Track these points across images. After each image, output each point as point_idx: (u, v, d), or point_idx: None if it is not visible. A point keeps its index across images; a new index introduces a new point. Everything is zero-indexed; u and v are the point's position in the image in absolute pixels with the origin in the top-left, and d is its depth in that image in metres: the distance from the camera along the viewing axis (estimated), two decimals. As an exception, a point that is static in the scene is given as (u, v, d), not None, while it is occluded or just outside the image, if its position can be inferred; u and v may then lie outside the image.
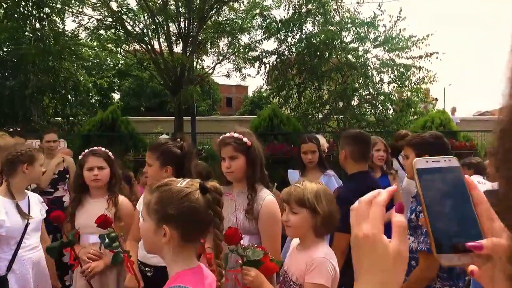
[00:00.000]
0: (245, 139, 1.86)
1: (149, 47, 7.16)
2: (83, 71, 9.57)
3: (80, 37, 7.42)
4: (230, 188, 2.02)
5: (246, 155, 1.85)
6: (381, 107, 7.68)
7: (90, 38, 7.44)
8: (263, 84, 9.50)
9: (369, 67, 7.54)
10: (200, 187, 1.12)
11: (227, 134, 1.90)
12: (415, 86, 7.41)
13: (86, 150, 2.37)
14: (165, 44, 7.55)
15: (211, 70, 8.71)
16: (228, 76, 8.72)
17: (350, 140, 2.22)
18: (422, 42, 6.94)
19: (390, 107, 7.74)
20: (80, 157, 2.37)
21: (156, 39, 7.39)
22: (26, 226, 2.18)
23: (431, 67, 7.27)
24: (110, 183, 2.32)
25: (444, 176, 0.56)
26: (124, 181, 4.42)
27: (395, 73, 7.31)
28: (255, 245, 1.65)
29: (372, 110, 7.92)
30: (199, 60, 8.58)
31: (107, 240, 1.82)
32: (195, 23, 7.47)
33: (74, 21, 7.30)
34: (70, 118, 9.05)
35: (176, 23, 7.28)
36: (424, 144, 1.91)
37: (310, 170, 3.03)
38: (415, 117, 7.99)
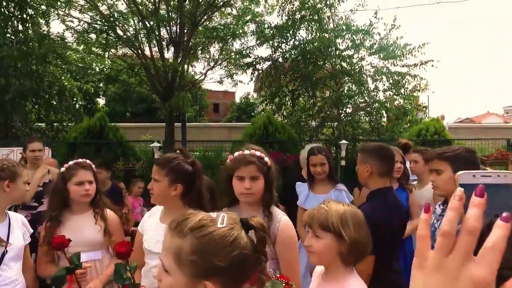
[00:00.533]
0: (266, 159, 1.70)
1: (140, 52, 6.89)
2: (68, 76, 9.21)
3: (66, 40, 7.07)
4: (236, 209, 1.84)
5: (265, 176, 1.69)
6: (376, 115, 7.61)
7: (77, 41, 7.10)
8: (253, 90, 9.34)
9: (364, 75, 7.47)
10: (244, 226, 0.92)
11: (248, 152, 1.72)
12: (409, 94, 7.38)
13: (71, 163, 2.17)
14: (156, 49, 7.30)
15: (202, 76, 8.48)
16: (220, 82, 8.51)
17: (376, 154, 2.05)
18: (418, 51, 6.92)
19: (384, 114, 7.67)
20: (63, 169, 2.14)
21: (147, 44, 7.13)
22: (3, 255, 1.88)
23: (424, 75, 7.27)
24: (95, 197, 2.17)
25: (497, 194, 0.48)
26: (114, 192, 4.17)
27: (390, 81, 7.26)
28: (276, 275, 1.46)
29: (367, 118, 7.84)
30: (190, 66, 8.35)
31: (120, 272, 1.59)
32: (187, 29, 7.26)
33: (64, 22, 6.89)
34: (55, 124, 8.66)
35: (167, 28, 7.04)
36: (460, 158, 1.79)
37: (319, 183, 2.86)
38: (408, 125, 7.97)
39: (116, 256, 1.69)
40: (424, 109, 9.88)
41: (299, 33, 7.86)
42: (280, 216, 1.73)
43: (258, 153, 1.71)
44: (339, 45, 7.45)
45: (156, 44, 7.14)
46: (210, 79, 8.96)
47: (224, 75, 8.77)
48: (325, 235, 1.33)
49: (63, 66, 7.98)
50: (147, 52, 7.28)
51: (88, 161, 2.23)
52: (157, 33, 6.86)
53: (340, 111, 8.02)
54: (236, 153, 1.74)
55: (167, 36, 7.21)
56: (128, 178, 5.62)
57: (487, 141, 7.77)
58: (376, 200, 1.98)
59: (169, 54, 7.51)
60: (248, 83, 8.50)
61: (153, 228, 1.83)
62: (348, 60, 7.53)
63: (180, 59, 7.04)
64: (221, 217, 0.89)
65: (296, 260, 1.72)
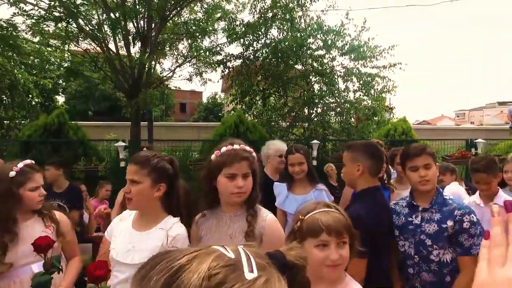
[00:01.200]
0: (254, 153, 1.54)
1: (104, 45, 6.45)
2: (21, 69, 8.52)
3: (19, 29, 6.37)
4: (217, 211, 1.69)
5: (253, 172, 1.56)
6: (346, 115, 7.67)
7: (31, 31, 6.43)
8: (221, 90, 9.13)
9: (335, 75, 7.50)
10: (281, 267, 0.55)
11: (238, 146, 1.55)
12: (378, 95, 7.50)
13: (21, 165, 1.90)
14: (122, 44, 6.90)
15: (170, 73, 8.14)
16: (189, 79, 8.22)
17: (367, 152, 1.96)
18: (388, 52, 7.05)
19: (354, 115, 7.75)
20: (13, 173, 1.86)
21: (111, 38, 6.69)
22: None
23: (393, 77, 7.42)
24: None
25: None
26: (72, 194, 3.83)
27: (360, 82, 7.34)
28: None
29: (337, 118, 7.89)
30: (158, 62, 8.00)
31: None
32: (155, 23, 6.92)
33: (16, 4, 6.04)
34: (6, 122, 7.98)
35: (134, 21, 6.66)
36: None
37: (298, 184, 2.73)
38: (376, 126, 8.11)
39: (89, 280, 1.45)
40: (391, 110, 10.13)
41: (270, 32, 7.77)
42: (266, 214, 1.61)
43: (247, 148, 1.58)
44: (311, 45, 7.43)
45: (121, 38, 6.72)
46: (179, 76, 8.64)
47: (193, 72, 8.51)
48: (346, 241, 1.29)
49: (15, 58, 7.31)
50: (112, 46, 6.86)
51: (32, 161, 2.01)
52: (123, 26, 6.44)
53: (311, 111, 8.01)
54: (225, 148, 1.57)
55: (134, 30, 6.82)
56: (90, 179, 5.25)
57: (448, 141, 8.08)
58: (367, 200, 1.88)
59: (135, 49, 7.13)
60: (218, 81, 8.30)
61: (123, 234, 1.64)
62: (319, 60, 7.53)
63: (147, 54, 6.70)
64: (245, 258, 0.50)
65: None
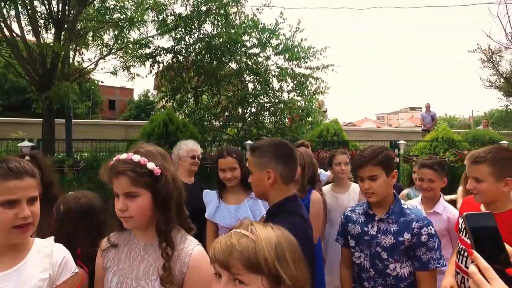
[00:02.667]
0: (150, 165, 1.26)
1: (4, 26, 5.45)
2: None
3: None
4: (129, 233, 1.35)
5: (151, 190, 1.27)
6: (280, 115, 7.63)
7: None
8: (153, 87, 8.55)
9: (270, 74, 7.41)
10: None
11: (124, 156, 1.25)
12: (311, 96, 7.59)
13: None
14: (30, 28, 5.98)
15: (92, 66, 7.34)
16: (114, 73, 7.50)
17: (278, 155, 1.60)
18: (321, 54, 7.14)
19: (288, 115, 7.75)
20: None
21: (14, 18, 5.70)
22: None
23: (326, 79, 7.56)
24: None
25: None
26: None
27: (295, 82, 7.35)
28: None
29: (271, 118, 7.82)
30: (77, 52, 7.14)
31: None
32: (73, 7, 6.13)
33: None
34: None
35: (45, 1, 5.79)
36: None
37: (230, 191, 2.45)
38: (310, 126, 8.22)
39: None
40: (324, 112, 10.40)
41: (204, 27, 7.41)
42: (191, 247, 1.27)
43: (136, 157, 1.22)
44: (245, 42, 7.24)
45: (29, 21, 5.81)
46: (102, 69, 7.85)
47: (119, 66, 7.80)
48: (254, 280, 0.88)
49: None
50: (17, 29, 5.87)
51: None
52: (28, 6, 5.53)
53: (245, 111, 7.83)
54: (114, 159, 1.25)
55: (46, 12, 5.94)
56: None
57: (375, 142, 8.56)
58: (290, 215, 1.55)
59: (48, 35, 6.25)
60: (146, 76, 7.70)
61: None
62: (253, 58, 7.38)
63: (63, 42, 5.90)
64: None
65: None
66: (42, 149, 5.14)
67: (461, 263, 1.86)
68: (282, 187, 1.61)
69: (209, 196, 2.50)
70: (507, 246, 0.76)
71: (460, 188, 4.08)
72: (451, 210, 2.53)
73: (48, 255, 1.21)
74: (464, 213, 0.80)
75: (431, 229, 1.74)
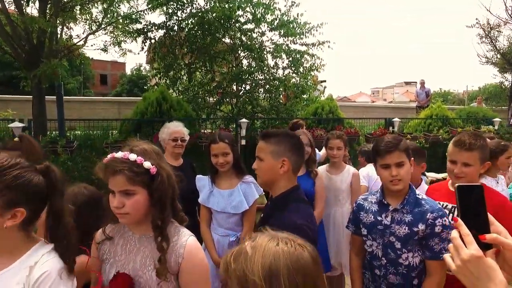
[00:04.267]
0: (147, 164, 1.27)
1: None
2: None
3: None
4: (123, 228, 1.37)
5: (148, 187, 1.28)
6: (275, 93, 7.54)
7: None
8: (146, 61, 8.36)
9: (264, 51, 7.25)
10: None
11: (121, 154, 1.26)
12: (306, 73, 7.47)
13: None
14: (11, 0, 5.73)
15: (82, 42, 7.09)
16: (105, 50, 7.28)
17: (294, 146, 1.64)
18: (317, 30, 6.98)
19: (283, 92, 7.66)
20: None
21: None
22: None
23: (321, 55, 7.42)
24: None
25: None
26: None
27: (290, 58, 7.21)
28: None
29: (266, 96, 7.73)
30: (65, 27, 6.88)
31: None
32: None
33: None
34: None
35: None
36: None
37: (223, 176, 2.45)
38: (305, 103, 8.16)
39: None
40: (322, 84, 10.26)
41: (197, 1, 7.16)
42: (185, 238, 1.30)
43: (133, 157, 1.23)
44: (240, 17, 7.03)
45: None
46: (92, 45, 7.62)
47: (109, 42, 7.55)
48: None
49: None
50: None
51: None
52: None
53: (240, 88, 7.73)
54: (108, 156, 1.25)
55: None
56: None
57: (370, 120, 8.57)
58: (298, 205, 1.60)
59: (33, 10, 6.00)
60: (138, 53, 7.50)
61: None
62: (248, 34, 7.20)
63: (49, 16, 5.67)
64: None
65: None
66: (34, 129, 5.06)
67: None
68: (291, 177, 1.64)
69: (202, 182, 2.50)
70: (491, 217, 0.83)
71: None
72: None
73: (29, 267, 1.12)
74: (456, 184, 0.87)
75: (445, 220, 1.76)
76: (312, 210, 1.70)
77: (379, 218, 1.86)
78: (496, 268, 0.77)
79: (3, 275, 1.11)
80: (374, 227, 1.87)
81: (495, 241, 0.79)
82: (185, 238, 1.30)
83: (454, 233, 0.82)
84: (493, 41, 13.50)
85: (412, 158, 1.89)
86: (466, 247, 0.78)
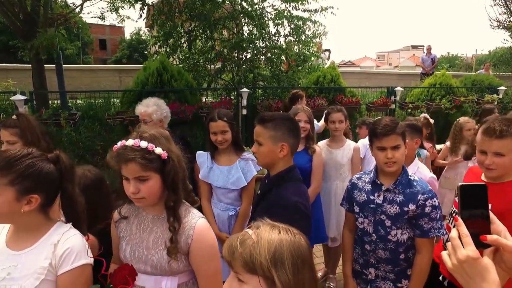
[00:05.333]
0: (157, 150, 1.32)
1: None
2: None
3: None
4: (135, 207, 1.44)
5: (160, 172, 1.36)
6: (276, 61, 7.41)
7: None
8: (145, 25, 8.16)
9: (265, 18, 7.05)
10: None
11: (131, 142, 1.30)
12: (309, 41, 7.30)
13: None
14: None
15: (78, 9, 6.91)
16: (102, 18, 7.11)
17: (291, 129, 1.72)
18: (319, -5, 6.73)
19: (285, 61, 7.53)
20: None
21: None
22: None
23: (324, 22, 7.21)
24: None
25: None
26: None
27: (292, 25, 7.02)
28: None
29: (267, 64, 7.61)
30: (59, -7, 6.71)
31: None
32: None
33: None
34: None
35: None
36: None
37: (222, 153, 2.51)
38: (307, 71, 8.03)
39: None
40: (326, 53, 10.05)
41: (194, -36, 6.87)
42: (195, 220, 1.37)
43: (144, 144, 1.27)
44: (240, -18, 6.78)
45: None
46: (89, 13, 7.45)
47: (106, 8, 7.36)
48: (251, 279, 0.92)
49: None
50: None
51: None
52: None
53: (240, 56, 7.59)
54: (117, 145, 1.29)
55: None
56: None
57: (371, 89, 8.47)
58: (296, 182, 1.70)
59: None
60: (136, 21, 7.33)
61: None
62: (249, 0, 6.96)
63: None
64: None
65: (217, 272, 1.40)
66: (36, 102, 5.06)
67: (450, 223, 2.01)
68: (289, 158, 1.74)
69: (202, 158, 2.55)
70: (492, 216, 0.84)
71: (447, 144, 4.12)
72: (423, 172, 2.66)
73: (54, 244, 1.25)
74: (459, 184, 0.85)
75: (435, 201, 1.83)
76: (306, 188, 1.77)
77: (371, 197, 1.93)
78: (491, 269, 0.79)
79: (30, 252, 1.25)
80: (366, 205, 1.95)
81: (496, 242, 0.81)
82: (195, 220, 1.37)
83: (453, 233, 0.84)
84: (507, 3, 12.94)
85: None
86: (463, 247, 0.80)
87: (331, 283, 3.38)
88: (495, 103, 7.60)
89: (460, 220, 0.83)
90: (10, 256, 1.24)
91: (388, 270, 1.92)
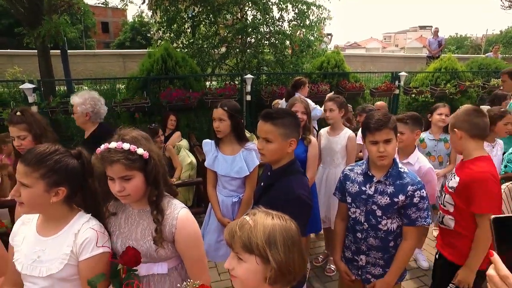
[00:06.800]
0: (140, 151, 1.42)
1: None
2: None
3: None
4: (124, 204, 1.57)
5: (143, 170, 1.45)
6: (280, 46, 7.39)
7: None
8: (147, 8, 8.12)
9: (269, 2, 6.99)
10: None
11: (114, 144, 1.41)
12: (313, 26, 7.26)
13: None
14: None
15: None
16: (105, 4, 7.11)
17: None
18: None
19: (289, 46, 7.50)
20: None
21: None
22: None
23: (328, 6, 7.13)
24: None
25: None
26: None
27: (296, 10, 6.97)
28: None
29: (271, 49, 7.59)
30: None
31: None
32: None
33: None
34: None
35: None
36: None
37: (225, 143, 2.59)
38: (311, 56, 8.00)
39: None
40: (329, 37, 9.96)
41: None
42: (177, 211, 1.49)
43: (126, 146, 1.38)
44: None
45: None
46: (92, -2, 7.42)
47: (109, -7, 7.35)
48: (249, 258, 1.10)
49: None
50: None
51: None
52: None
53: (244, 41, 7.58)
54: (102, 147, 1.40)
55: None
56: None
57: (376, 74, 8.40)
58: (296, 176, 1.79)
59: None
60: (140, 7, 7.30)
61: (27, 242, 1.43)
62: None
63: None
64: None
65: (201, 256, 1.55)
66: (43, 91, 5.14)
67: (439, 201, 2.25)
68: (292, 152, 1.84)
69: (207, 147, 2.65)
70: None
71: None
72: (423, 162, 2.73)
73: (75, 234, 1.39)
74: (492, 216, 0.78)
75: (423, 192, 1.92)
76: (307, 180, 1.86)
77: (363, 188, 2.02)
78: None
79: (55, 239, 1.40)
80: (358, 196, 2.04)
81: None
82: (177, 211, 1.49)
83: (491, 271, 0.76)
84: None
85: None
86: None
87: (331, 265, 3.52)
88: (501, 87, 7.55)
89: (495, 255, 0.75)
90: (39, 241, 1.40)
91: (378, 257, 2.04)
